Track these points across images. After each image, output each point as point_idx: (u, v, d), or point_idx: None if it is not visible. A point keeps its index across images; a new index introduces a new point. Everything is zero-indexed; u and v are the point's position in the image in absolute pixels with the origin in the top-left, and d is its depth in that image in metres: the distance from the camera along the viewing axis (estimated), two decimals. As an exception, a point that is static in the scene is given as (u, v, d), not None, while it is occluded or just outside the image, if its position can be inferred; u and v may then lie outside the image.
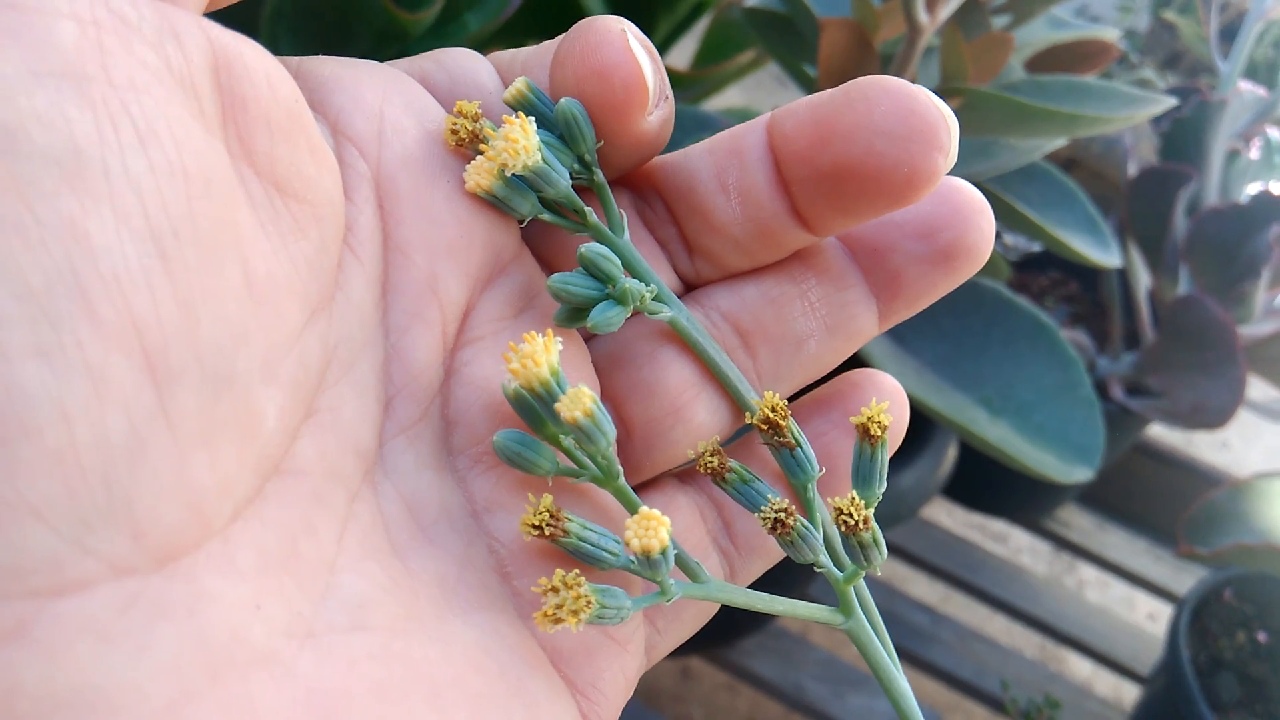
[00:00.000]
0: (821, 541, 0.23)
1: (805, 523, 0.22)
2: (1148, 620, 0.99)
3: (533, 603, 0.22)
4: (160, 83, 0.16)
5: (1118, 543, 0.92)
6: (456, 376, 0.22)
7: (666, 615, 0.24)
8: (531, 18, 0.74)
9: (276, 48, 0.50)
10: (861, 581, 0.23)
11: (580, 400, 0.20)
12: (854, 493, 0.22)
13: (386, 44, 0.56)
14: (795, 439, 0.23)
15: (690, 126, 0.60)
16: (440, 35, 0.60)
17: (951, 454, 0.72)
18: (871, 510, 0.22)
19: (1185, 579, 0.89)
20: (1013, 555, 0.99)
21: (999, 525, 1.01)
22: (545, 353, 0.20)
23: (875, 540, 0.22)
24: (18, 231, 0.14)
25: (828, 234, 0.24)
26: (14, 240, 0.14)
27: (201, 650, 0.16)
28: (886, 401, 0.22)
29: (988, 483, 0.83)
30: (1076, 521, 0.92)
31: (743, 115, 0.83)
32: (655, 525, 0.20)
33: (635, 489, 0.24)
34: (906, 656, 0.78)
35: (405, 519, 0.21)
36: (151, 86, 0.16)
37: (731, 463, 0.23)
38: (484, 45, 0.73)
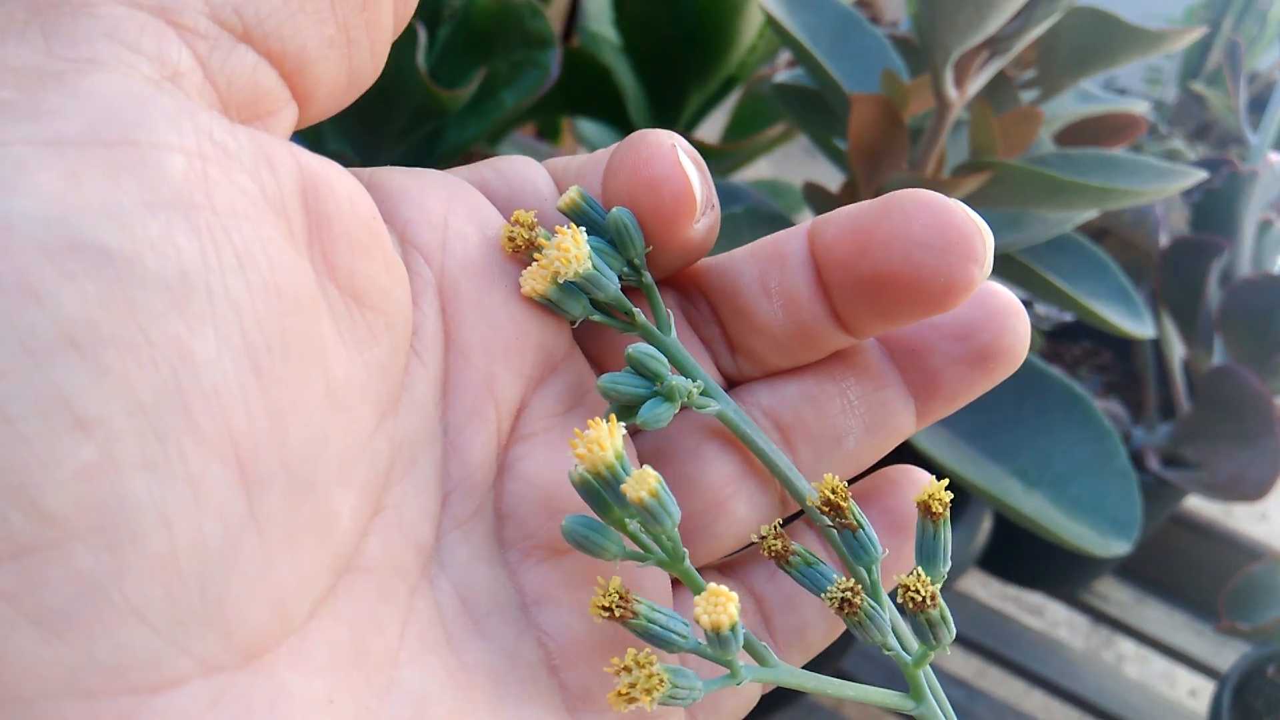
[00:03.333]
0: (889, 623, 0.23)
1: (872, 602, 0.22)
2: (1189, 697, 0.96)
3: (580, 695, 0.22)
4: (256, 207, 0.18)
5: (1157, 616, 0.90)
6: (510, 472, 0.23)
7: (705, 709, 0.24)
8: (565, 93, 0.75)
9: (317, 124, 0.51)
10: (928, 666, 0.23)
11: (646, 481, 0.20)
12: (919, 569, 0.22)
13: (425, 119, 0.57)
14: (857, 520, 0.23)
15: (723, 198, 0.61)
16: (478, 112, 0.61)
17: (986, 525, 0.71)
18: (938, 587, 0.22)
19: (1226, 654, 0.87)
20: (1050, 629, 0.97)
21: (1035, 598, 0.99)
22: (610, 437, 0.21)
23: (943, 617, 0.22)
24: (131, 351, 0.15)
25: (867, 336, 0.25)
26: (128, 360, 0.15)
27: None
28: (946, 479, 0.23)
29: (1023, 555, 0.82)
30: (1114, 595, 0.91)
31: (772, 187, 0.84)
32: (724, 601, 0.20)
33: (677, 582, 0.24)
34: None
35: (460, 612, 0.21)
36: (249, 211, 0.17)
37: (795, 545, 0.24)
38: (520, 120, 0.75)
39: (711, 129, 0.92)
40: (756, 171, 1.09)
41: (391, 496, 0.21)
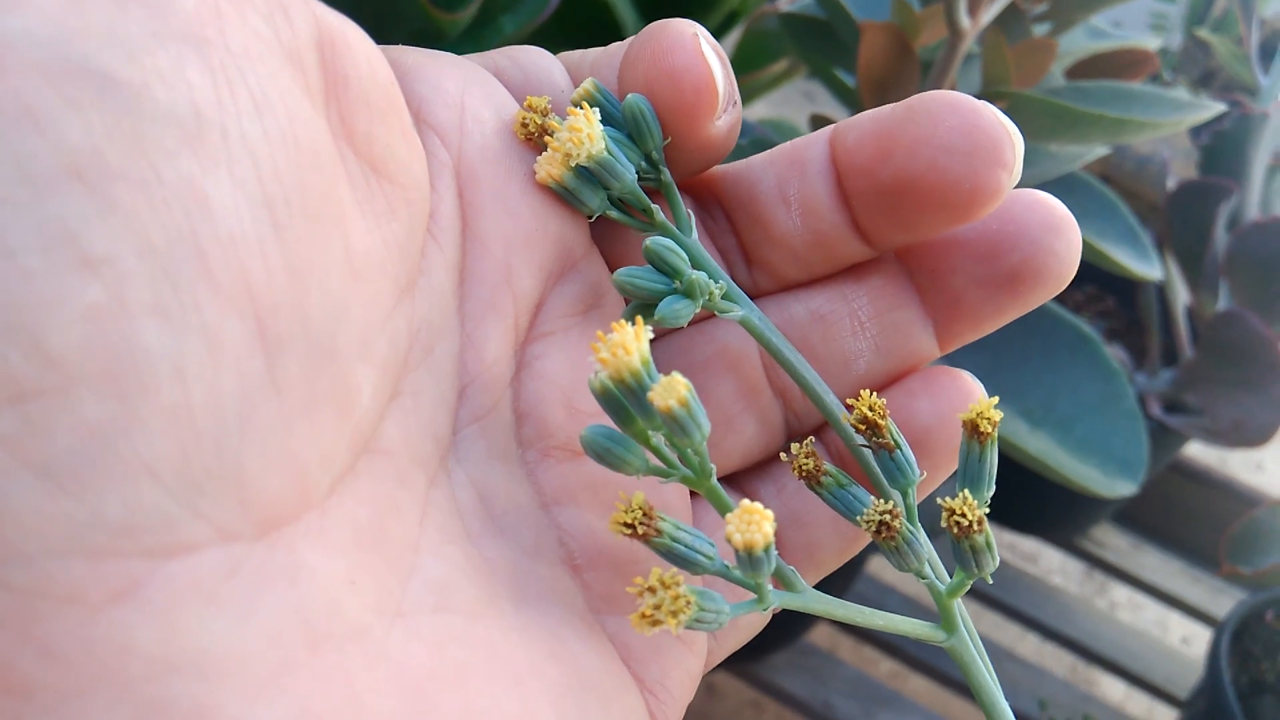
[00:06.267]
0: (925, 548, 0.22)
1: (910, 527, 0.21)
2: (1181, 644, 0.97)
3: (604, 597, 0.21)
4: (272, 53, 0.16)
5: (1153, 563, 0.90)
6: (528, 369, 0.22)
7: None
8: (562, 25, 0.74)
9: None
10: (960, 599, 0.22)
11: (675, 388, 0.19)
12: (965, 492, 0.21)
13: (421, 44, 0.55)
14: (895, 440, 0.22)
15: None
16: (475, 38, 0.59)
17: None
18: (985, 511, 0.21)
19: (1223, 601, 0.87)
20: (1044, 576, 0.97)
21: (1030, 545, 0.99)
22: (635, 341, 0.19)
23: (988, 544, 0.21)
24: (141, 189, 0.14)
25: (887, 248, 0.24)
26: (137, 197, 0.14)
27: (301, 621, 0.16)
28: (995, 397, 0.21)
29: (1024, 500, 0.82)
30: (1112, 541, 0.91)
31: (775, 125, 0.82)
32: (759, 519, 0.19)
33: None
34: (937, 675, 0.77)
35: (478, 508, 0.20)
36: (265, 56, 0.16)
37: (828, 465, 0.22)
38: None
39: (712, 66, 0.90)
40: (755, 113, 1.07)
41: (408, 383, 0.20)
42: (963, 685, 0.76)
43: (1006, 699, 0.74)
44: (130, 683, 0.14)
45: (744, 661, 0.74)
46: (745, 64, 0.85)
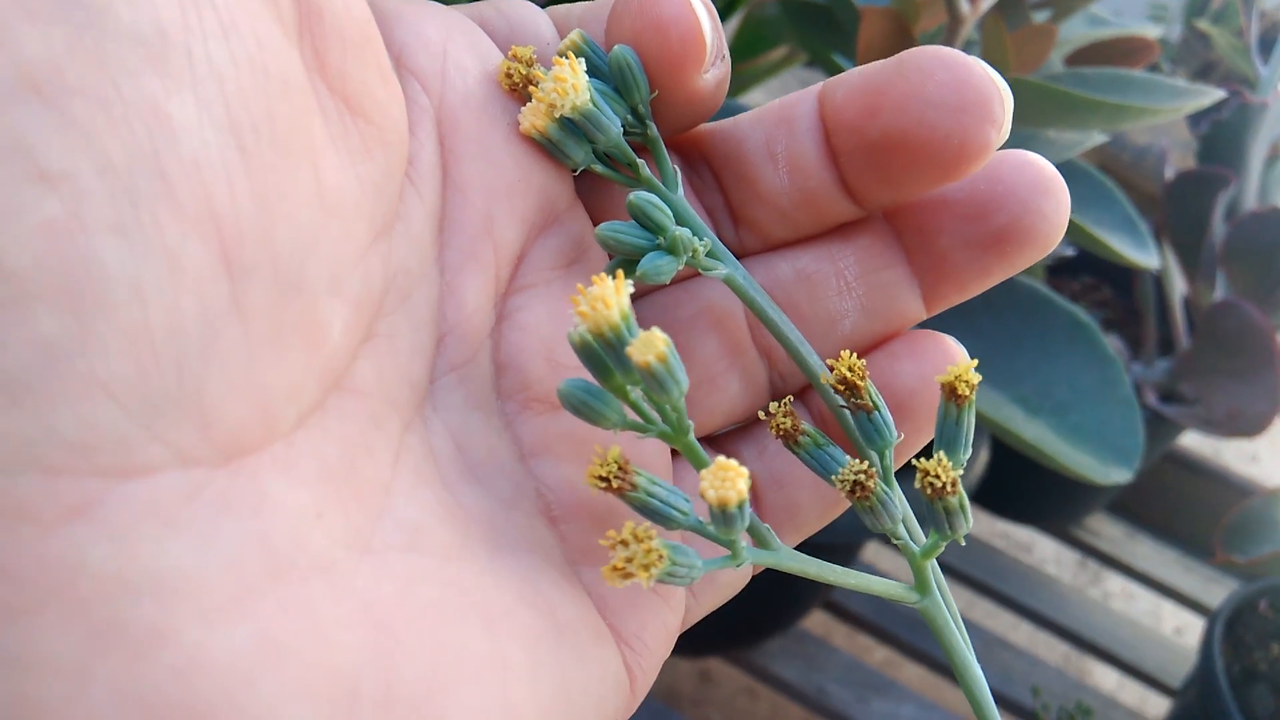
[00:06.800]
0: (900, 509, 0.21)
1: (885, 488, 0.21)
2: (1174, 634, 0.97)
3: (581, 549, 0.21)
4: None
5: (1147, 552, 0.90)
6: (508, 321, 0.22)
7: (702, 581, 0.23)
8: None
9: None
10: (935, 561, 0.22)
11: (654, 344, 0.18)
12: (940, 453, 0.21)
13: None
14: (873, 401, 0.22)
15: (724, 115, 0.59)
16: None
17: (984, 458, 0.71)
18: (959, 473, 0.21)
19: (1215, 591, 0.88)
20: (1038, 565, 0.98)
21: (1024, 534, 1.00)
22: (616, 295, 0.19)
23: (961, 506, 0.21)
24: (101, 106, 0.14)
25: (875, 207, 0.23)
26: (97, 114, 0.14)
27: (264, 550, 0.15)
28: (975, 360, 0.21)
29: (1019, 489, 0.82)
30: (1106, 531, 0.91)
31: (773, 112, 0.82)
32: (733, 476, 0.18)
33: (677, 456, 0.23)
34: (930, 662, 0.77)
35: (454, 456, 0.20)
36: None
37: (805, 425, 0.22)
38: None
39: (711, 52, 0.90)
40: (753, 102, 1.07)
41: (384, 325, 0.20)
42: (956, 673, 0.76)
43: (1000, 687, 0.73)
44: (83, 602, 0.14)
45: (739, 648, 0.74)
46: (744, 50, 0.85)
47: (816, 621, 0.83)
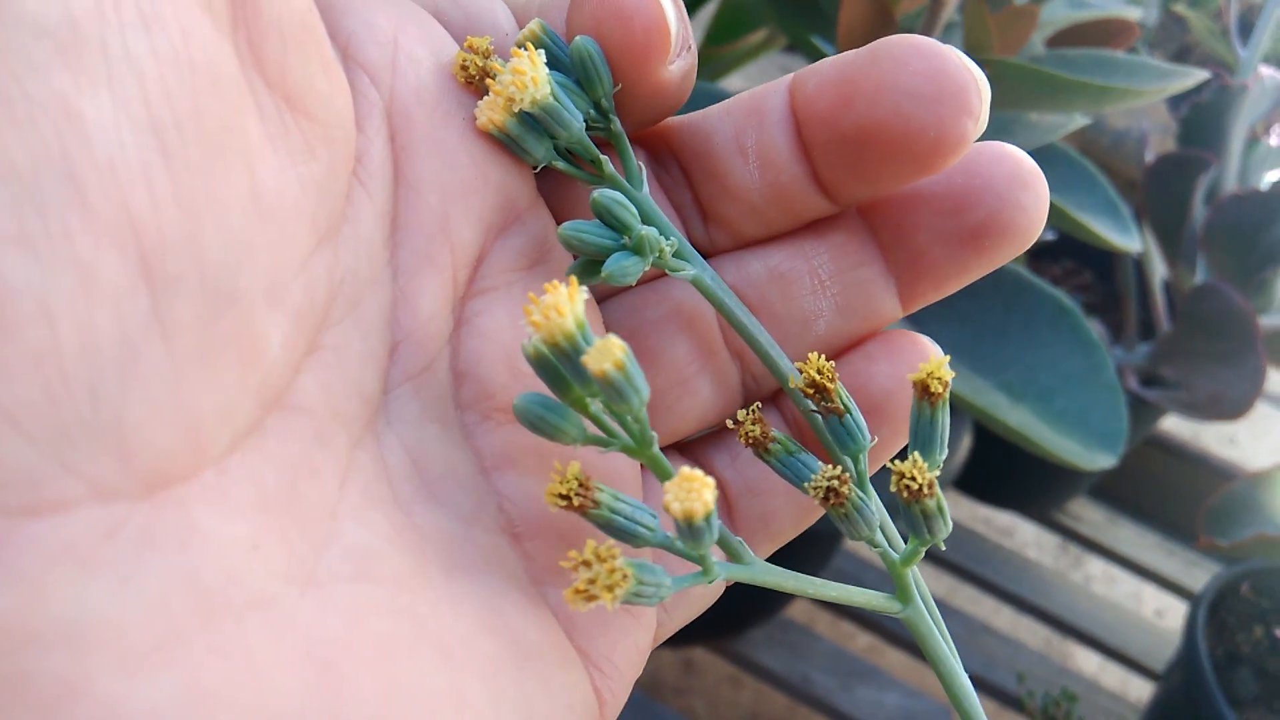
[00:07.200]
0: (876, 516, 0.21)
1: (860, 494, 0.20)
2: (1155, 617, 0.97)
3: (546, 567, 0.20)
4: None
5: (1129, 536, 0.90)
6: (467, 327, 0.21)
7: (674, 595, 0.23)
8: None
9: None
10: (916, 568, 0.22)
11: (610, 351, 0.17)
12: (915, 455, 0.20)
13: None
14: (844, 404, 0.21)
15: (703, 101, 0.58)
16: None
17: (966, 444, 0.70)
18: (936, 474, 0.20)
19: (1197, 574, 0.88)
20: (1020, 549, 0.98)
21: (1005, 519, 1.00)
22: (569, 302, 0.18)
23: (940, 508, 0.20)
24: (3, 104, 0.13)
25: (849, 202, 0.23)
26: None
27: (193, 588, 0.14)
28: (947, 356, 0.20)
29: (1001, 474, 0.82)
30: (1087, 515, 0.91)
31: (752, 96, 0.81)
32: (698, 487, 0.17)
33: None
34: (914, 649, 0.77)
35: (409, 472, 0.19)
36: None
37: (775, 432, 0.21)
38: None
39: (689, 36, 0.89)
40: (731, 87, 1.07)
41: (330, 336, 0.18)
42: (940, 659, 0.76)
43: (984, 673, 0.73)
44: None
45: (722, 637, 0.73)
46: (722, 34, 0.84)
47: (800, 610, 0.83)
